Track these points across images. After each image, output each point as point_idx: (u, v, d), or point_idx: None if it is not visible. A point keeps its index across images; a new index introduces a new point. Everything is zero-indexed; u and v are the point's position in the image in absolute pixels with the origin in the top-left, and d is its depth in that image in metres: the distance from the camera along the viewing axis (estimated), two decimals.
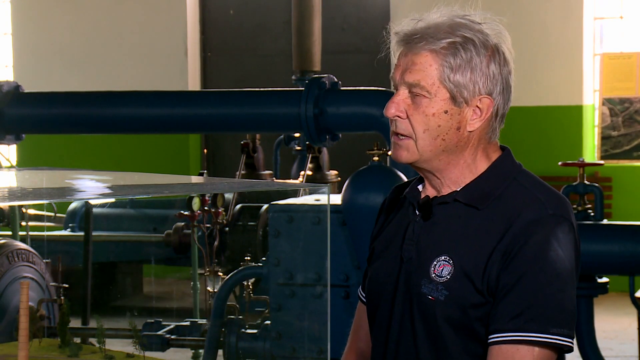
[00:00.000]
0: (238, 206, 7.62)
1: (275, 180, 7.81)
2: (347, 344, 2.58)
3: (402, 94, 2.25)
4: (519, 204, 2.22)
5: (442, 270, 2.22)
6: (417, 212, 2.31)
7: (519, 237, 2.17)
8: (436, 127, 2.22)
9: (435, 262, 2.23)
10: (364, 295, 2.51)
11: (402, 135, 2.25)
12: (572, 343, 2.19)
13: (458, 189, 2.28)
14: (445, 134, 2.23)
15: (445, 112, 2.22)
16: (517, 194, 2.24)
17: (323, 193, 4.89)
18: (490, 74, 2.23)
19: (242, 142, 7.76)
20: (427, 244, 2.27)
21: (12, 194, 2.43)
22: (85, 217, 6.54)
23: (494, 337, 2.17)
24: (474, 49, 2.22)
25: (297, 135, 7.70)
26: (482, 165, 2.29)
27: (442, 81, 2.21)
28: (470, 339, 2.21)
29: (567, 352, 2.22)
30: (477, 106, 2.24)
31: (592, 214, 5.53)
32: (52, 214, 7.86)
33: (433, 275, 2.23)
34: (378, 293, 2.36)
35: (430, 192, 2.32)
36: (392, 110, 2.25)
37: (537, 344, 2.15)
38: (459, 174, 2.28)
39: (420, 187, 2.35)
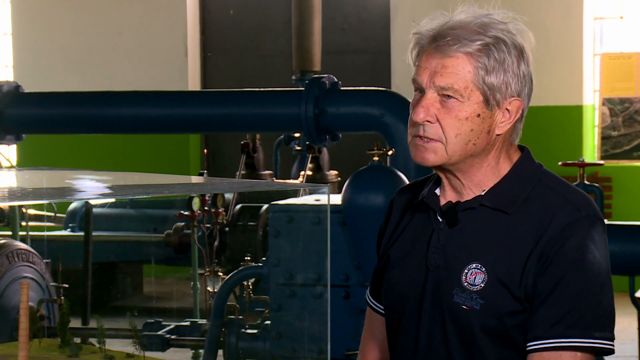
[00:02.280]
0: (238, 206, 7.62)
1: (275, 180, 7.81)
2: (360, 353, 2.50)
3: (431, 98, 2.16)
4: (550, 207, 2.16)
5: (475, 278, 2.16)
6: (440, 218, 2.24)
7: (555, 241, 2.12)
8: (469, 132, 2.16)
9: (466, 270, 2.17)
10: (375, 302, 2.45)
11: (428, 138, 2.17)
12: (613, 345, 2.14)
13: (482, 193, 2.21)
14: (476, 138, 2.16)
15: (478, 115, 2.16)
16: (545, 196, 2.19)
17: (323, 193, 4.88)
18: (520, 74, 2.18)
19: (242, 142, 7.76)
20: (455, 252, 2.19)
21: (12, 194, 2.43)
22: (85, 217, 6.54)
23: (535, 345, 2.11)
24: (506, 48, 2.16)
25: (297, 135, 7.69)
26: (504, 168, 2.23)
27: (476, 84, 2.14)
28: (507, 348, 2.16)
29: (608, 354, 2.16)
30: (506, 108, 2.19)
31: None
32: (52, 214, 7.86)
33: (465, 283, 2.16)
34: (400, 302, 2.28)
35: (451, 196, 2.25)
36: (421, 115, 2.16)
37: (579, 349, 2.10)
38: (482, 177, 2.21)
39: (437, 191, 2.28)
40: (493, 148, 2.21)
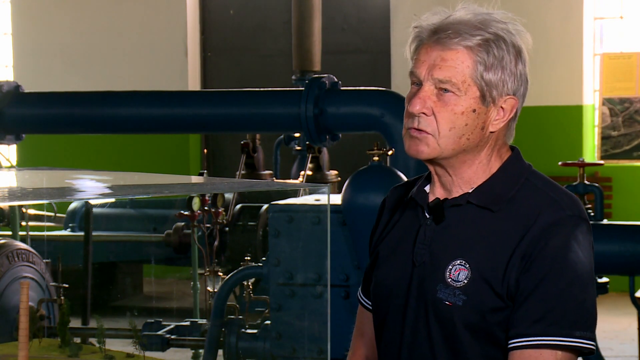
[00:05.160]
0: (238, 206, 7.63)
1: (275, 180, 7.81)
2: (350, 351, 2.50)
3: (428, 90, 2.17)
4: (535, 206, 2.17)
5: (459, 274, 2.16)
6: (427, 214, 2.24)
7: (539, 240, 2.13)
8: (463, 126, 2.16)
9: (450, 267, 2.17)
10: (365, 299, 2.45)
11: (422, 131, 2.18)
12: (594, 345, 2.15)
13: (470, 190, 2.22)
14: (470, 133, 2.17)
15: (474, 110, 2.16)
16: (531, 196, 2.20)
17: (323, 193, 4.89)
18: (517, 73, 2.19)
19: (242, 142, 7.76)
20: (441, 248, 2.20)
21: (12, 194, 2.43)
22: (85, 217, 6.54)
23: (516, 342, 2.12)
24: (505, 46, 2.16)
25: (297, 135, 7.69)
26: (495, 166, 2.23)
27: (474, 79, 2.15)
28: (489, 344, 2.16)
29: (589, 354, 2.16)
30: (501, 106, 2.19)
31: (592, 214, 5.54)
32: (52, 214, 7.86)
33: (449, 279, 2.17)
34: (387, 298, 2.29)
35: (439, 193, 2.25)
36: (417, 106, 2.17)
37: (560, 347, 2.11)
38: (472, 174, 2.22)
39: (427, 188, 2.28)
40: (486, 145, 2.22)
